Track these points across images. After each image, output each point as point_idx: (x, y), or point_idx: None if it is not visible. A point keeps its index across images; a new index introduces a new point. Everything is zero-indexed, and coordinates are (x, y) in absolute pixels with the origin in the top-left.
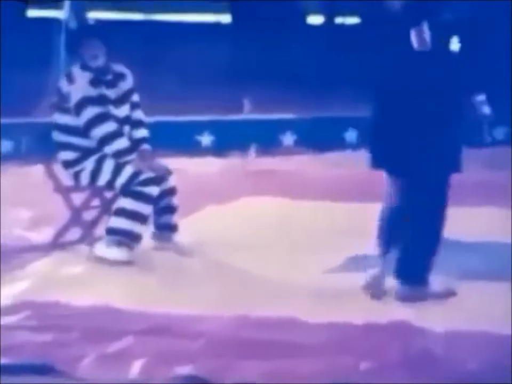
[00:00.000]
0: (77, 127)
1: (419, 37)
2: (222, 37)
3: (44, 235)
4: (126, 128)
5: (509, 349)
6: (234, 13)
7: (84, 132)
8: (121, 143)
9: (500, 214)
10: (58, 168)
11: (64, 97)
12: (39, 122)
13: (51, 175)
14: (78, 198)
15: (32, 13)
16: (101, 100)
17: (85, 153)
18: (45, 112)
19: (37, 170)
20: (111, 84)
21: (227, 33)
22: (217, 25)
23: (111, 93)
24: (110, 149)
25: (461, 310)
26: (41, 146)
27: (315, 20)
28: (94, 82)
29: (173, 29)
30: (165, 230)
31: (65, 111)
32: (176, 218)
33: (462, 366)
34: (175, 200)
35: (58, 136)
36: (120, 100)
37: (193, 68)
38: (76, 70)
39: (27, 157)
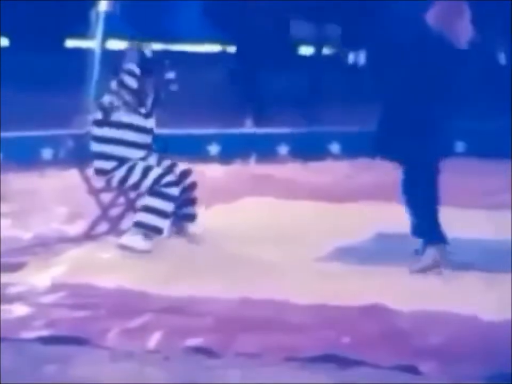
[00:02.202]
0: (114, 138)
1: None
2: (229, 65)
3: (78, 228)
4: (150, 137)
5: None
6: (239, 45)
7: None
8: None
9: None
10: (90, 173)
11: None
12: (74, 134)
13: (84, 178)
14: (106, 197)
15: (70, 43)
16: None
17: (121, 162)
18: (79, 126)
19: (73, 174)
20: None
21: (233, 62)
22: (225, 54)
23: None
24: None
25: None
26: (76, 154)
27: (306, 50)
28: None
29: (190, 58)
30: (186, 219)
31: (105, 124)
32: (196, 209)
33: (427, 342)
34: (195, 194)
35: (97, 147)
36: (149, 114)
37: (205, 90)
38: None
39: (64, 163)
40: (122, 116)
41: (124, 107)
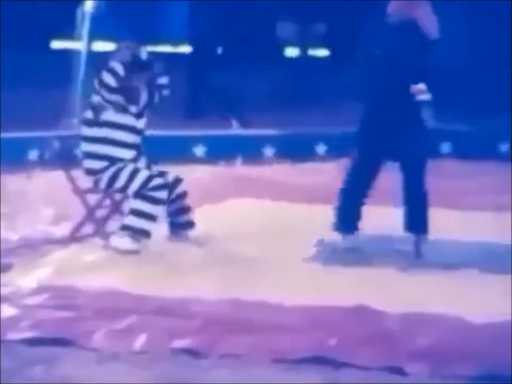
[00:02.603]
0: (103, 137)
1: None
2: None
3: (63, 229)
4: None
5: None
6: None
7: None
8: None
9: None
10: (76, 173)
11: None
12: (60, 135)
13: (70, 179)
14: (92, 199)
15: (56, 44)
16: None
17: (110, 162)
18: (65, 127)
19: (58, 175)
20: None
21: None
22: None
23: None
24: None
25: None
26: (62, 155)
27: (291, 52)
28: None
29: (174, 59)
30: (183, 227)
31: (95, 124)
32: (191, 216)
33: (415, 343)
34: (187, 202)
35: (86, 147)
36: (140, 114)
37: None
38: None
39: (50, 164)
40: (111, 115)
41: (109, 106)
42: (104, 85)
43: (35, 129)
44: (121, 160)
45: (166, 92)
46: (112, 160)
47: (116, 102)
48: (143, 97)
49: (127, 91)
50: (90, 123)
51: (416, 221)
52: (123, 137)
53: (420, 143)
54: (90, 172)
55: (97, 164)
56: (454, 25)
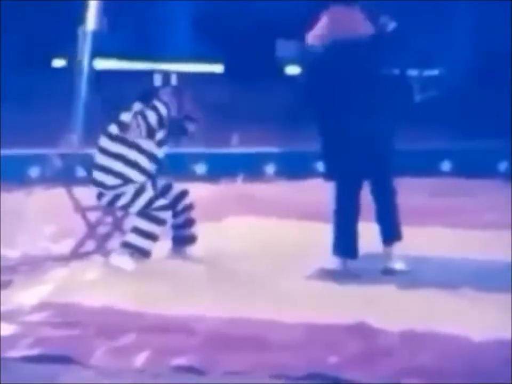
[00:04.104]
0: (124, 156)
1: None
2: (215, 84)
3: (64, 247)
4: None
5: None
6: (227, 65)
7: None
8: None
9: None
10: (76, 191)
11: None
12: (61, 152)
13: (71, 196)
14: (93, 216)
15: (57, 63)
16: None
17: (124, 181)
18: (66, 145)
19: (59, 193)
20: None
21: (220, 81)
22: (212, 74)
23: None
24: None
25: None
26: (63, 173)
27: (292, 70)
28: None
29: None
30: (186, 242)
31: (119, 140)
32: (195, 230)
33: (413, 361)
34: (193, 215)
35: (101, 159)
36: (162, 143)
37: None
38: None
39: (51, 182)
40: (138, 137)
41: (139, 129)
42: (146, 121)
43: (36, 146)
44: (132, 181)
45: (191, 128)
46: (124, 179)
47: (147, 132)
48: (167, 125)
49: (160, 125)
50: (113, 138)
51: (391, 231)
52: (140, 161)
53: (387, 160)
54: (99, 184)
55: (110, 180)
56: (456, 46)
